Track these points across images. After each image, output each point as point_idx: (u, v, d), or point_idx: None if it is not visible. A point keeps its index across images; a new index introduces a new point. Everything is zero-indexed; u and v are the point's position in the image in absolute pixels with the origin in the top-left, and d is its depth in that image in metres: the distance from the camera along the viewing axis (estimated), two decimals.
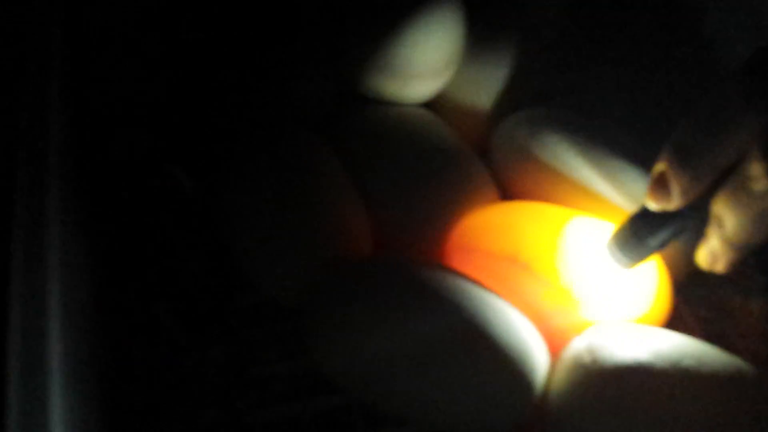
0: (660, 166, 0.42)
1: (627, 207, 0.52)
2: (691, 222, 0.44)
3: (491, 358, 0.43)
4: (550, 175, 0.54)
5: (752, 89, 0.39)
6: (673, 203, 0.42)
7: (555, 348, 0.47)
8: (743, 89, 0.39)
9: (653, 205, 0.43)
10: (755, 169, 0.39)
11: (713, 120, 0.40)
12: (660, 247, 0.45)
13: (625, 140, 0.55)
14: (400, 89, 0.57)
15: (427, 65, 0.56)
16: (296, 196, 0.49)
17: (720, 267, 0.44)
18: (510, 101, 0.60)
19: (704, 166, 0.40)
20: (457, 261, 0.50)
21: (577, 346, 0.45)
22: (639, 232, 0.45)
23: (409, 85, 0.57)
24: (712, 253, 0.44)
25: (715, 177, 0.41)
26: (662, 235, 0.45)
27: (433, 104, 0.60)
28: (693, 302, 0.57)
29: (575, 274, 0.47)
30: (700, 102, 0.41)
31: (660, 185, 0.42)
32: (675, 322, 0.56)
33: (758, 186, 0.39)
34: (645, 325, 0.48)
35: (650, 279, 0.50)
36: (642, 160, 0.53)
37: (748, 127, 0.39)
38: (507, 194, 0.57)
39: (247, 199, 0.50)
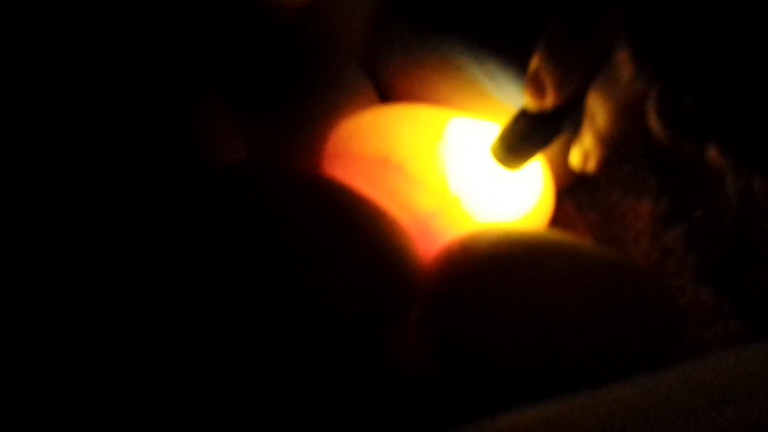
0: (534, 63, 0.42)
1: (510, 107, 0.50)
2: (571, 120, 0.43)
3: (360, 262, 0.41)
4: (432, 76, 0.52)
5: None
6: (548, 100, 0.42)
7: (435, 247, 0.45)
8: None
9: (531, 103, 0.43)
10: (621, 55, 0.38)
11: (580, 11, 0.40)
12: (542, 146, 0.45)
13: (507, 40, 0.53)
14: None
15: None
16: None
17: (591, 165, 0.44)
18: (393, 6, 0.57)
19: (573, 57, 0.41)
20: (333, 167, 0.48)
21: (452, 245, 0.44)
22: (521, 132, 0.45)
23: None
24: (584, 151, 0.44)
25: (585, 69, 0.41)
26: (543, 134, 0.44)
27: (312, 12, 0.57)
28: (584, 206, 0.57)
29: (454, 174, 0.46)
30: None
31: (535, 83, 0.42)
32: (565, 226, 0.55)
33: (624, 73, 0.38)
34: (527, 225, 0.47)
35: (533, 180, 0.49)
36: (524, 61, 0.51)
37: (614, 15, 0.39)
38: (391, 100, 0.55)
39: None
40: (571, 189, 0.57)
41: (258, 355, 0.40)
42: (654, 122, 0.38)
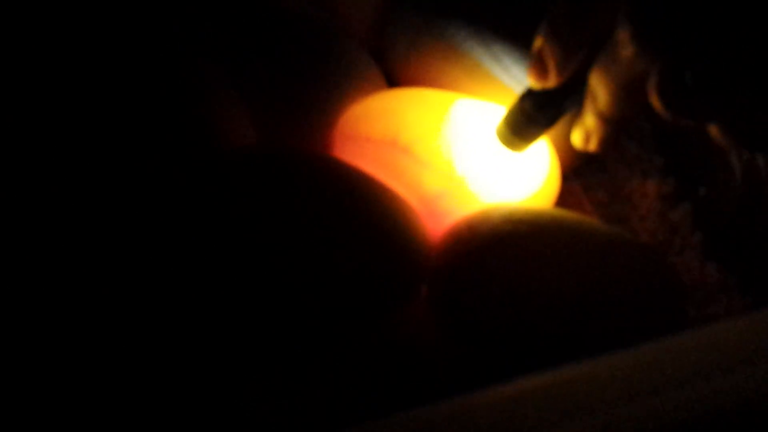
0: (537, 43, 0.42)
1: (515, 90, 0.51)
2: (576, 99, 0.44)
3: (370, 241, 0.43)
4: (439, 60, 0.53)
5: None
6: (552, 80, 0.43)
7: (443, 227, 0.46)
8: None
9: (534, 83, 0.44)
10: (622, 34, 0.38)
11: None
12: (547, 127, 0.46)
13: (513, 23, 0.54)
14: None
15: None
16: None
17: (593, 145, 0.44)
18: None
19: (575, 37, 0.41)
20: (342, 150, 0.49)
21: (458, 224, 0.45)
22: (526, 112, 0.45)
23: None
24: (585, 131, 0.44)
25: (587, 48, 0.41)
26: (548, 114, 0.45)
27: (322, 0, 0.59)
28: (591, 187, 0.58)
29: (460, 155, 0.47)
30: None
31: (538, 62, 0.43)
32: (573, 207, 0.56)
33: (625, 52, 0.39)
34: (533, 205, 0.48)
35: (539, 161, 0.49)
36: (529, 44, 0.52)
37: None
38: (398, 86, 0.56)
39: None
40: (578, 170, 0.58)
41: (272, 331, 0.41)
42: (655, 101, 0.38)
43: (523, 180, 0.48)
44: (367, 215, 0.43)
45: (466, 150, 0.47)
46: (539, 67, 0.43)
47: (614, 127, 0.43)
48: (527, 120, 0.45)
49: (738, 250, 0.53)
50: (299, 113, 0.51)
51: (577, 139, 0.44)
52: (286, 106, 0.51)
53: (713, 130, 0.39)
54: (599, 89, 0.41)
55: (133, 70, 0.48)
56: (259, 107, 0.50)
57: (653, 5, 0.38)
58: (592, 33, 0.40)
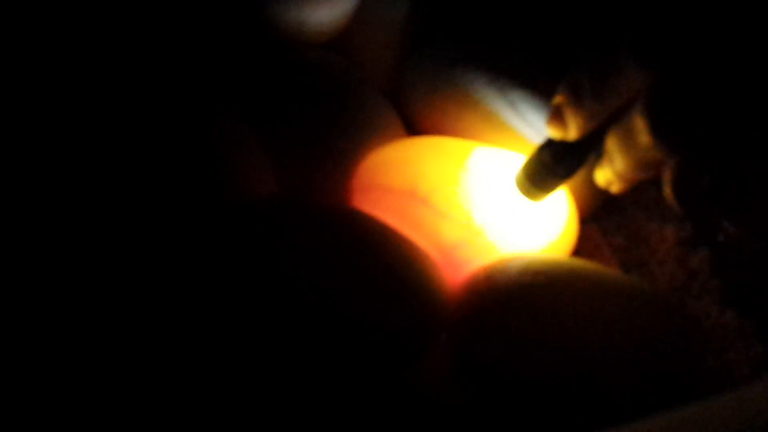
0: (557, 99, 0.43)
1: (533, 138, 0.51)
2: (596, 151, 0.44)
3: (389, 291, 0.43)
4: (457, 108, 0.54)
5: (639, 45, 0.38)
6: (570, 135, 0.43)
7: (461, 276, 0.47)
8: (630, 43, 0.39)
9: (553, 134, 0.44)
10: (638, 122, 0.39)
11: (603, 65, 0.40)
12: (565, 177, 0.46)
13: (530, 71, 0.54)
14: (297, 14, 0.55)
15: None
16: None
17: (614, 190, 0.45)
18: (417, 37, 0.59)
19: (595, 106, 0.41)
20: (360, 200, 0.50)
21: (477, 274, 0.45)
22: (545, 163, 0.45)
23: (306, 9, 0.55)
24: (606, 179, 0.45)
25: (607, 115, 0.41)
26: (567, 165, 0.45)
27: (338, 46, 0.59)
28: (609, 231, 0.58)
29: (479, 205, 0.47)
30: (595, 42, 0.41)
31: (558, 117, 0.43)
32: (590, 251, 0.56)
33: (641, 138, 0.39)
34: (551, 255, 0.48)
35: (557, 211, 0.50)
36: (547, 91, 0.52)
37: (633, 79, 0.39)
38: (416, 133, 0.56)
39: None
40: (596, 214, 0.58)
41: (292, 381, 0.41)
42: (669, 195, 0.38)
43: (541, 229, 0.49)
44: (386, 266, 0.44)
45: (484, 199, 0.47)
46: (559, 120, 0.43)
47: (634, 182, 0.43)
48: (545, 170, 0.45)
49: (756, 297, 0.53)
50: (319, 162, 0.51)
51: (600, 180, 0.45)
52: (306, 155, 0.51)
53: (726, 227, 0.39)
54: (616, 156, 0.41)
55: (158, 116, 0.49)
56: (279, 156, 0.51)
57: (671, 101, 0.38)
58: (613, 104, 0.40)
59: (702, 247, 0.56)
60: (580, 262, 0.46)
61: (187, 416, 0.41)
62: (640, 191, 0.60)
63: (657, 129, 0.37)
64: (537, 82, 0.53)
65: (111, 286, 0.44)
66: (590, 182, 0.54)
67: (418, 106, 0.56)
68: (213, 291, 0.43)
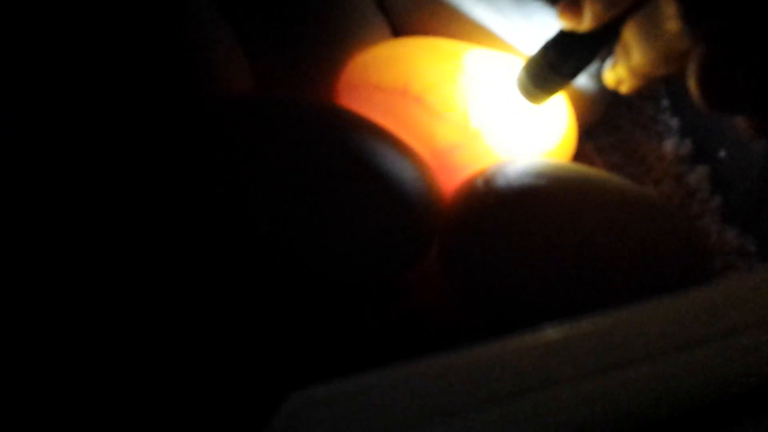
0: None
1: (520, 46, 0.49)
2: (602, 48, 0.41)
3: (380, 193, 0.40)
4: (444, 11, 0.50)
5: None
6: (584, 24, 0.39)
7: (455, 181, 0.44)
8: None
9: (565, 24, 0.40)
10: (670, 8, 0.36)
11: None
12: (570, 77, 0.43)
13: None
14: None
15: None
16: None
17: (624, 89, 0.42)
18: None
19: None
20: (348, 99, 0.46)
21: (474, 178, 0.42)
22: (550, 60, 0.42)
23: None
24: (617, 77, 0.42)
25: (630, 3, 0.38)
26: (573, 63, 0.42)
27: None
28: (605, 149, 0.55)
29: (476, 106, 0.44)
30: None
31: (572, 4, 0.39)
32: None
33: (669, 26, 0.36)
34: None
35: (557, 117, 0.47)
36: None
37: None
38: (403, 36, 0.53)
39: None
40: (591, 131, 0.55)
41: (283, 288, 0.39)
42: (694, 89, 0.33)
43: (541, 135, 0.46)
44: (376, 167, 0.41)
45: (481, 101, 0.44)
46: (573, 8, 0.39)
47: (647, 81, 0.40)
48: (550, 70, 0.42)
49: (758, 215, 0.51)
50: (303, 60, 0.48)
51: (608, 80, 0.42)
52: (289, 53, 0.48)
53: (741, 121, 0.36)
54: (635, 49, 0.39)
55: (133, 16, 0.44)
56: (260, 55, 0.47)
57: None
58: None
59: (701, 165, 0.54)
60: (583, 167, 0.43)
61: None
62: (637, 109, 0.57)
63: (689, 12, 0.34)
64: None
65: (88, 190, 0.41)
66: (587, 95, 0.51)
67: (405, 10, 0.52)
68: (191, 196, 0.40)
